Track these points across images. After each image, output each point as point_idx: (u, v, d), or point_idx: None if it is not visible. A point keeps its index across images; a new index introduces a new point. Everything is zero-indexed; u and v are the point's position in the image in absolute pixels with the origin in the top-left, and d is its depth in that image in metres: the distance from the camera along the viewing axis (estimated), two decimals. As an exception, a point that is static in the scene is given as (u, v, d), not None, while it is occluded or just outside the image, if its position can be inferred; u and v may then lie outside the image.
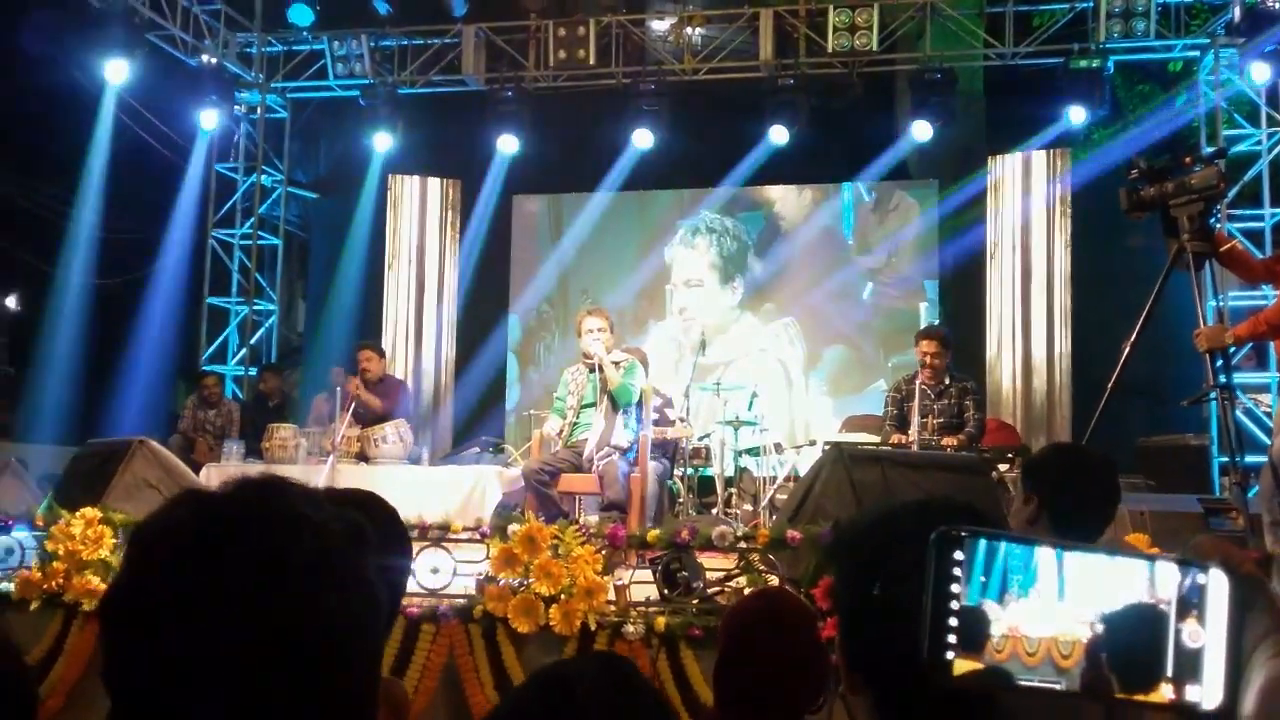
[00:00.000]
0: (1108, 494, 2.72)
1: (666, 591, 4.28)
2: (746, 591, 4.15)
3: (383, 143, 10.46)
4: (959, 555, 0.80)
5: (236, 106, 10.83)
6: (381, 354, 8.33)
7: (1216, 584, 0.81)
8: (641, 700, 1.21)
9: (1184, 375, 8.95)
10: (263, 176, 10.95)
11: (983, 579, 0.79)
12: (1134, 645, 0.79)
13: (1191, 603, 0.80)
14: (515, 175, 10.69)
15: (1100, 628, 0.79)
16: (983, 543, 0.80)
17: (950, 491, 4.08)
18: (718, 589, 4.33)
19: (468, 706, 4.10)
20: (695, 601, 4.22)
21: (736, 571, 4.34)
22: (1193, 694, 0.79)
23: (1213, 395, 4.50)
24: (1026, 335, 9.70)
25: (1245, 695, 0.79)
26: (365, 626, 0.86)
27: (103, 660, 0.84)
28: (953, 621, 0.79)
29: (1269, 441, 8.12)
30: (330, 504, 0.90)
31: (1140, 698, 0.81)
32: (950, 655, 0.78)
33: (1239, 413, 7.16)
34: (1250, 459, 6.60)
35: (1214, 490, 8.02)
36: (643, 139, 9.80)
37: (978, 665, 0.79)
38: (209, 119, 10.36)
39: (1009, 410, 9.49)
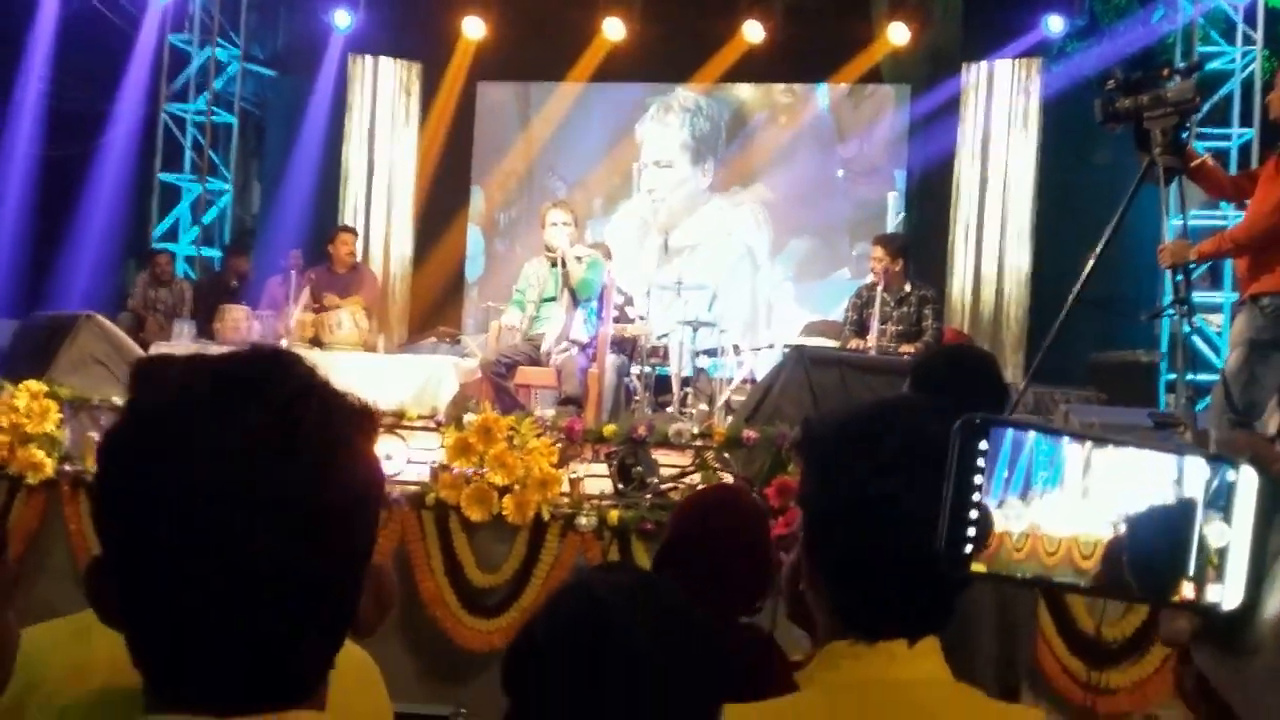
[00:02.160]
0: (992, 393, 2.71)
1: (621, 486, 4.29)
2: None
3: (343, 20, 10.13)
4: (983, 445, 0.76)
5: (191, -26, 10.42)
6: (357, 239, 8.24)
7: (1246, 481, 0.78)
8: (676, 628, 1.20)
9: (1137, 292, 9.09)
10: (218, 50, 10.58)
11: (1006, 474, 0.76)
12: (1157, 544, 0.77)
13: (1219, 500, 0.77)
14: (481, 61, 10.41)
15: (1124, 526, 0.76)
16: (1009, 433, 0.76)
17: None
18: (672, 485, 4.34)
19: (418, 592, 4.11)
20: (649, 497, 4.23)
21: (691, 469, 4.35)
22: (1213, 594, 0.77)
23: (1171, 311, 4.53)
24: (987, 244, 9.71)
25: (1269, 596, 0.76)
26: (368, 498, 0.86)
27: (97, 504, 0.84)
28: (973, 514, 0.75)
29: (1218, 360, 8.29)
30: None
31: (1160, 597, 0.79)
32: (968, 549, 0.75)
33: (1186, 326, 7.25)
34: (1199, 377, 6.72)
35: (1160, 405, 8.16)
36: (614, 29, 9.56)
37: (990, 564, 0.75)
38: (162, -14, 9.96)
39: (964, 318, 9.55)
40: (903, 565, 1.13)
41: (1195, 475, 0.77)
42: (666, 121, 10.63)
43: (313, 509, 0.80)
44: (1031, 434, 0.75)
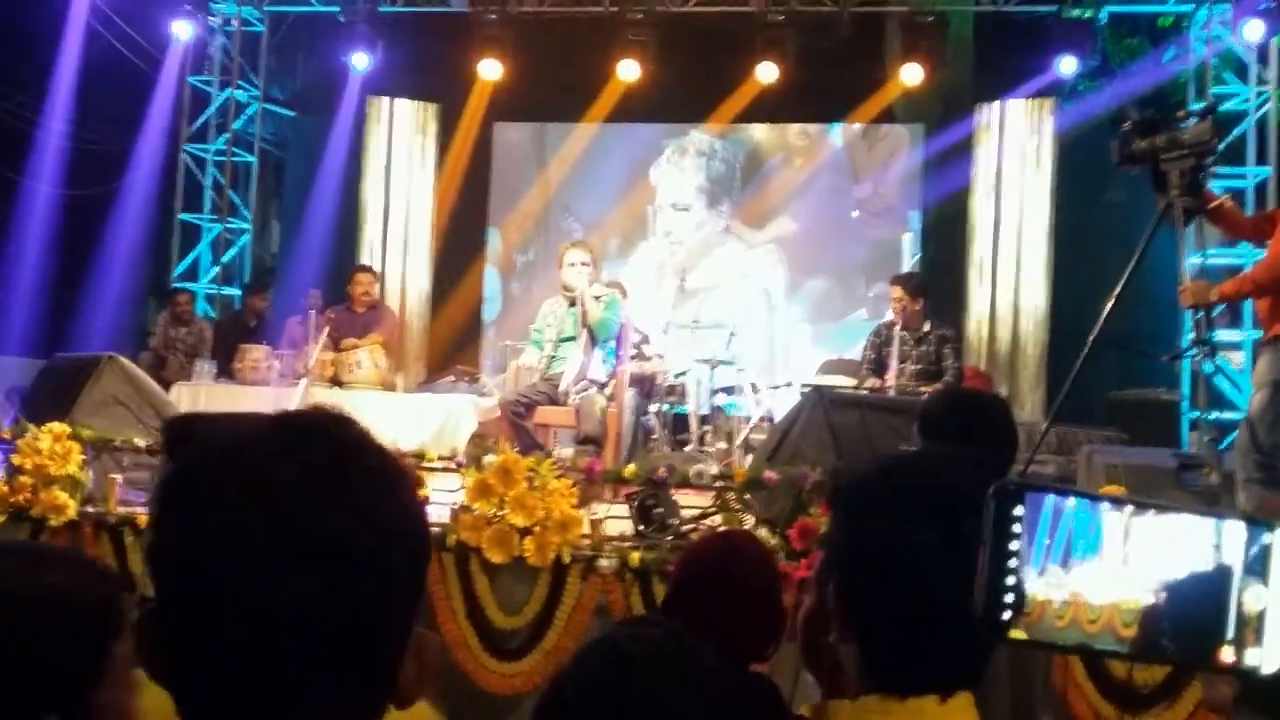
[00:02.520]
0: (999, 438, 2.68)
1: (642, 527, 4.28)
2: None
3: (361, 61, 10.24)
4: (1019, 511, 0.77)
5: (211, 18, 10.55)
6: (377, 280, 8.28)
7: None
8: (703, 684, 1.19)
9: (1155, 330, 9.06)
10: (238, 91, 10.69)
11: (1047, 541, 0.76)
12: (1197, 610, 0.77)
13: (1256, 564, 0.78)
14: (497, 102, 10.51)
15: (1164, 593, 0.77)
16: (1049, 498, 0.76)
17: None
18: (692, 526, 4.33)
19: (441, 635, 4.10)
20: (670, 538, 4.22)
21: (712, 510, 4.34)
22: (1252, 657, 0.77)
23: (1193, 352, 4.52)
24: (1003, 283, 9.71)
25: None
26: (418, 549, 0.88)
27: (154, 556, 0.85)
28: (1010, 581, 0.76)
29: (1239, 398, 8.25)
30: None
31: (1200, 661, 0.79)
32: (1006, 616, 0.75)
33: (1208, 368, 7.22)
34: (1222, 415, 6.68)
35: (1182, 445, 8.11)
36: (629, 70, 9.64)
37: (1030, 632, 0.75)
38: (183, 29, 10.09)
39: (980, 357, 9.53)
40: (935, 619, 1.12)
41: (1233, 539, 0.77)
42: (682, 165, 10.69)
43: (365, 553, 0.81)
44: (1072, 500, 0.76)
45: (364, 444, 0.86)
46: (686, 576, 2.28)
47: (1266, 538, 0.78)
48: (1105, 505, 0.77)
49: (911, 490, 1.20)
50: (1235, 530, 0.78)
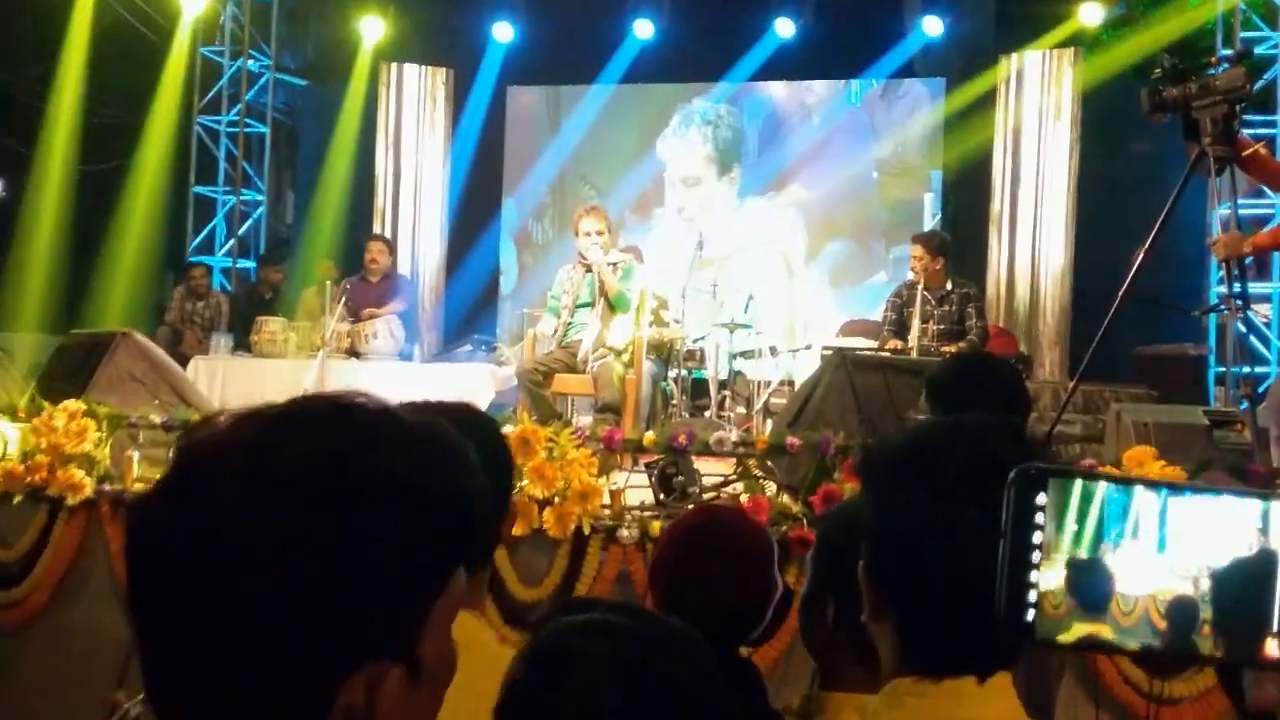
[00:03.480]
0: (1013, 402, 2.59)
1: (662, 496, 4.22)
2: (743, 498, 4.10)
3: (373, 29, 10.13)
4: (1042, 499, 0.69)
5: (221, -13, 10.46)
6: (391, 249, 8.21)
7: None
8: (656, 690, 1.08)
9: (1180, 284, 8.91)
10: (249, 61, 10.61)
11: (1074, 527, 0.69)
12: (1242, 600, 0.70)
13: None
14: (511, 65, 10.39)
15: (1206, 582, 0.70)
16: (1077, 483, 0.69)
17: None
18: (714, 494, 4.27)
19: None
20: (691, 507, 4.15)
21: (734, 477, 4.28)
22: None
23: (1223, 307, 4.40)
24: (1024, 239, 9.56)
25: None
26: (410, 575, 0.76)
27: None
28: (1033, 576, 0.68)
29: (1269, 352, 8.11)
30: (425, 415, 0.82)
31: (1245, 657, 0.72)
32: (1030, 614, 0.68)
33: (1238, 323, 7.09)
34: (1255, 370, 6.56)
35: (1209, 400, 7.99)
36: (643, 29, 9.50)
37: (1062, 627, 0.68)
38: (193, 1, 9.99)
39: (1000, 314, 9.42)
40: (970, 595, 1.07)
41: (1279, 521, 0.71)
42: (688, 137, 10.52)
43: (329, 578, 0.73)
44: (1103, 485, 0.69)
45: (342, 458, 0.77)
46: (664, 555, 2.18)
47: None
48: (1139, 488, 0.70)
49: (946, 462, 1.14)
50: None
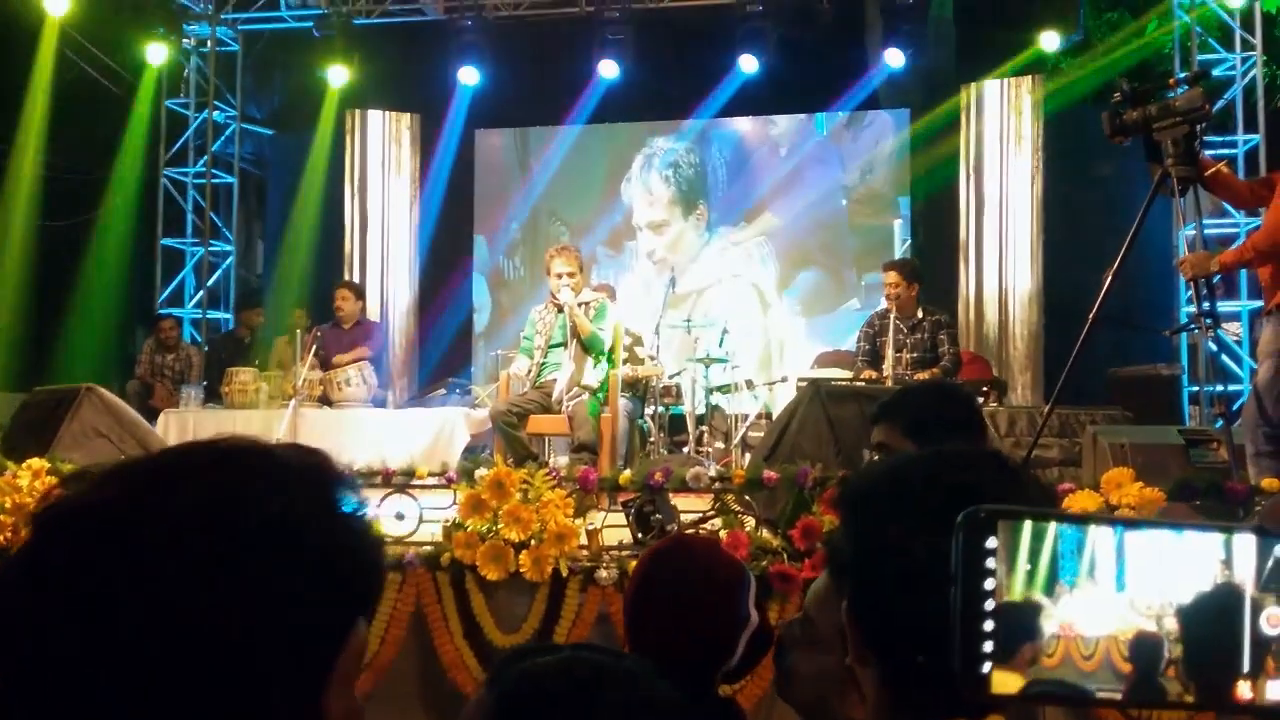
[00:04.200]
0: (967, 429, 2.53)
1: (640, 535, 4.17)
2: (721, 534, 4.05)
3: (339, 76, 10.13)
4: (992, 543, 0.66)
5: (185, 39, 10.44)
6: (359, 295, 8.18)
7: None
8: None
9: (1149, 304, 8.97)
10: (215, 113, 10.59)
11: (1027, 568, 0.66)
12: (1208, 639, 0.66)
13: (1272, 581, 0.67)
14: (478, 108, 10.40)
15: (1170, 620, 0.66)
16: (1027, 524, 0.66)
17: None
18: (692, 531, 4.22)
19: (438, 657, 3.99)
20: (669, 544, 4.11)
21: (711, 513, 4.23)
22: (1275, 691, 0.66)
23: (1193, 326, 4.42)
24: (991, 264, 9.62)
25: None
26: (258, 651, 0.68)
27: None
28: (988, 625, 0.65)
29: (1239, 371, 8.16)
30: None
31: (1215, 701, 0.68)
32: (986, 667, 0.65)
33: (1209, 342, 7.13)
34: (1226, 388, 6.57)
35: (1184, 420, 8.01)
36: (609, 69, 9.54)
37: (1020, 676, 0.65)
38: (156, 53, 9.98)
39: (970, 340, 9.45)
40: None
41: (1244, 555, 0.67)
42: (649, 182, 10.56)
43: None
44: (1053, 525, 0.66)
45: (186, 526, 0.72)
46: (634, 581, 2.12)
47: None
48: (1092, 525, 0.67)
49: (928, 493, 1.11)
50: (1245, 544, 0.67)
